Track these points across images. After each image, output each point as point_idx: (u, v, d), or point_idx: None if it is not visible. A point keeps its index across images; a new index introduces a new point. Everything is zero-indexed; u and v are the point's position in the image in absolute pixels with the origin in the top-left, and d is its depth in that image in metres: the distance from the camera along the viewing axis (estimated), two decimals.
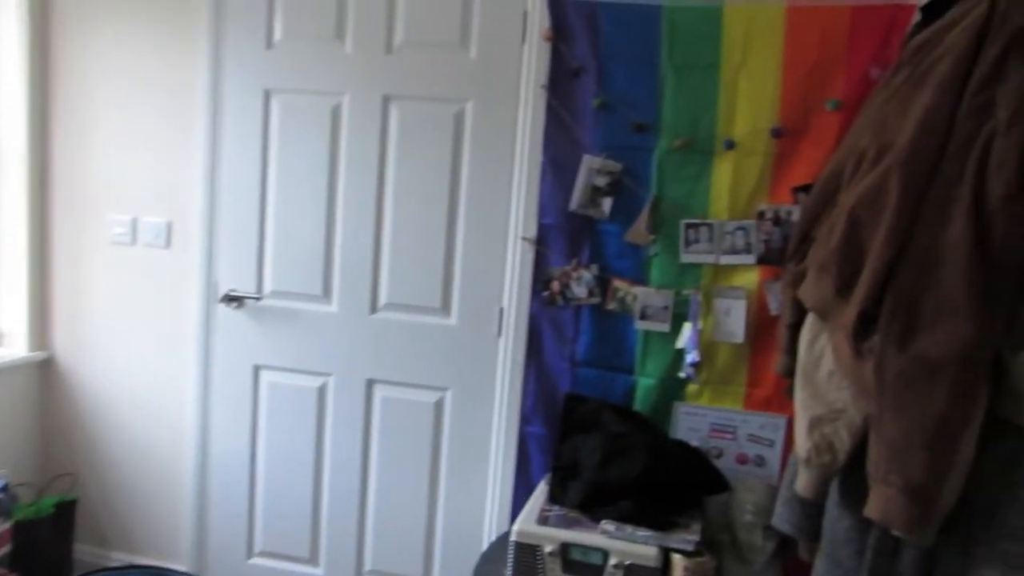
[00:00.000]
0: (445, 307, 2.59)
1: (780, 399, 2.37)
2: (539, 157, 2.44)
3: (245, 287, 2.70)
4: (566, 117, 2.40)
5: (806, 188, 2.28)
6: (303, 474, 2.72)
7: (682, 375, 2.40)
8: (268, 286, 2.69)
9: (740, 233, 2.33)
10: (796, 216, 2.28)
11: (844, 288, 1.54)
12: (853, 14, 2.21)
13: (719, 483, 2.22)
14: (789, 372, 1.94)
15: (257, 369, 2.73)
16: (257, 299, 2.69)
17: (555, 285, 2.47)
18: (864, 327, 1.48)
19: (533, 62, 2.41)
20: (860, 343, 1.48)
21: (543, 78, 2.40)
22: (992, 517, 1.48)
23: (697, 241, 2.36)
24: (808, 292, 1.62)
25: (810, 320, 1.67)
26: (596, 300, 2.44)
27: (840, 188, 1.69)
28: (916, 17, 1.83)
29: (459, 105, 2.50)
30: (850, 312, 1.49)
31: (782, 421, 2.39)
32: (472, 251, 2.54)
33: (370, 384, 2.66)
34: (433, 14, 2.49)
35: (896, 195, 1.47)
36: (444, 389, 2.62)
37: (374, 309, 2.62)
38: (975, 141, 1.43)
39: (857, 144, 1.66)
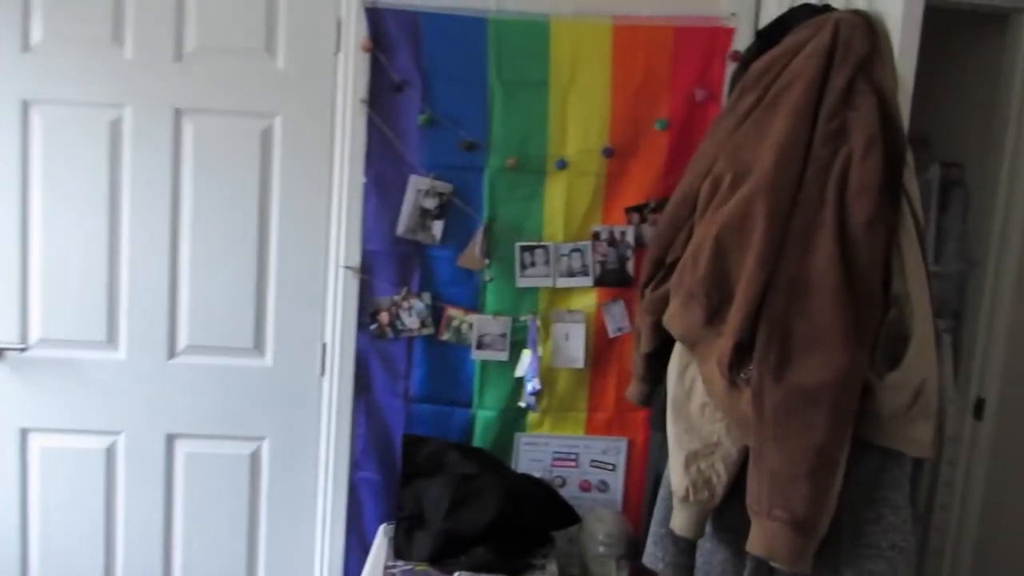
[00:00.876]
0: (258, 347, 2.30)
1: (620, 421, 2.34)
2: (360, 178, 2.23)
3: (5, 336, 2.24)
4: (389, 134, 2.21)
5: (639, 208, 2.26)
6: (91, 551, 2.31)
7: (522, 405, 2.29)
8: (36, 333, 2.25)
9: (576, 255, 2.27)
10: (630, 236, 2.26)
11: (714, 316, 1.49)
12: (676, 34, 2.22)
13: (569, 516, 2.14)
14: (645, 400, 1.89)
15: (25, 433, 2.28)
16: (22, 350, 2.24)
17: (384, 317, 2.27)
18: (738, 357, 1.44)
19: (350, 74, 2.20)
20: (735, 374, 1.44)
21: (362, 91, 2.20)
22: (858, 536, 1.50)
23: (533, 264, 2.26)
24: (675, 321, 1.57)
25: (678, 350, 1.61)
26: (429, 331, 2.27)
27: (693, 213, 1.66)
28: (751, 42, 1.85)
29: (267, 120, 2.23)
30: (724, 344, 1.44)
31: (623, 444, 2.35)
32: (288, 283, 2.28)
33: (171, 440, 2.31)
34: (231, 16, 2.20)
35: (762, 222, 1.45)
36: (260, 438, 2.33)
37: (172, 353, 2.28)
38: (833, 166, 1.45)
39: (709, 168, 1.63)
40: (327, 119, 2.23)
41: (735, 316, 1.44)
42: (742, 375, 1.43)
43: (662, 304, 1.68)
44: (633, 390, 1.90)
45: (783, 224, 1.45)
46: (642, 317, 1.76)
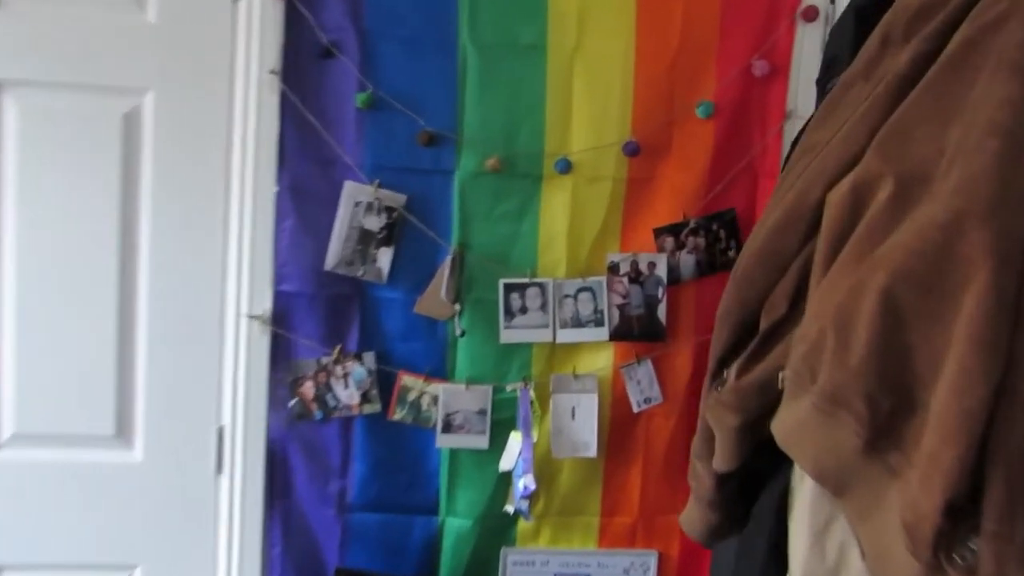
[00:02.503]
0: (123, 434, 1.57)
1: (648, 528, 1.66)
2: (271, 186, 1.52)
3: None
4: (314, 121, 1.51)
5: (674, 229, 1.58)
6: None
7: (510, 510, 1.60)
8: None
9: (585, 296, 1.58)
10: (661, 269, 1.58)
11: (883, 438, 0.81)
12: None
13: None
14: (713, 537, 1.20)
15: None
16: None
17: (307, 388, 1.56)
18: (949, 523, 0.76)
19: (255, 32, 1.49)
20: (942, 553, 0.76)
21: (273, 59, 1.49)
22: None
23: (524, 310, 1.57)
24: (803, 443, 0.88)
25: (810, 493, 0.93)
26: (374, 408, 1.57)
27: (807, 243, 0.98)
28: None
29: (131, 99, 1.50)
30: (919, 498, 0.76)
31: (652, 559, 1.67)
32: (165, 340, 1.55)
33: None
34: None
35: (984, 266, 0.77)
36: (130, 567, 1.60)
37: None
38: None
39: (839, 169, 0.95)
40: (221, 99, 1.51)
41: (940, 448, 0.76)
42: (955, 556, 0.76)
43: (758, 397, 1.00)
44: (695, 520, 1.20)
45: (1022, 271, 0.78)
46: (717, 416, 1.07)
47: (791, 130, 1.57)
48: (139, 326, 1.54)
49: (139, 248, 1.53)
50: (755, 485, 1.12)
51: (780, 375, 1.00)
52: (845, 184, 0.93)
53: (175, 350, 1.55)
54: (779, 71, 1.57)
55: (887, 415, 0.81)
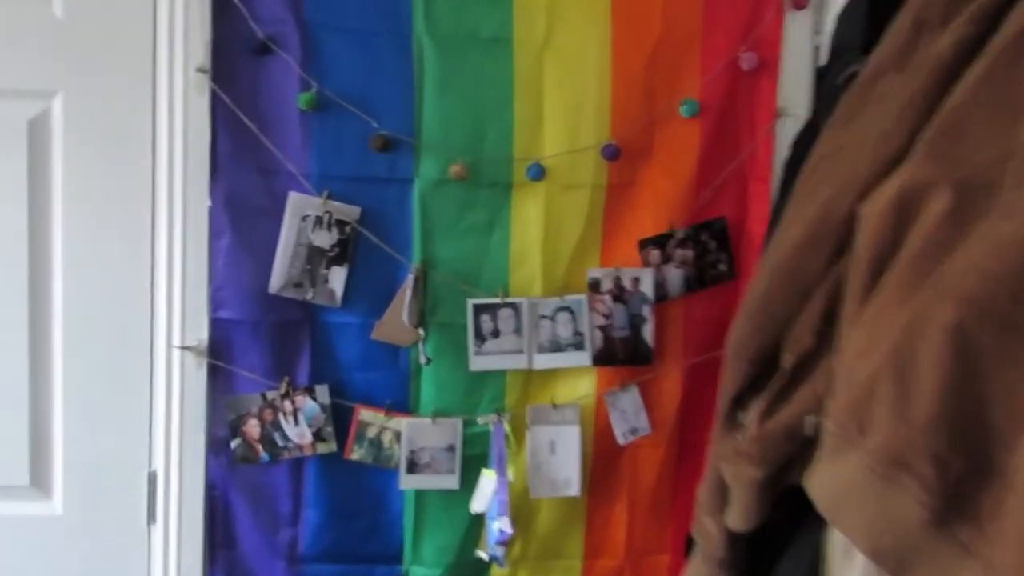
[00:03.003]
0: (39, 483, 1.38)
1: (634, 569, 1.50)
2: (204, 198, 1.33)
3: None
4: (251, 125, 1.32)
5: (660, 240, 1.43)
6: None
7: (484, 556, 1.43)
8: None
9: (564, 316, 1.42)
10: (647, 284, 1.42)
11: (952, 510, 0.66)
12: None
13: None
14: None
15: None
16: None
17: (252, 427, 1.37)
18: None
19: (179, 25, 1.31)
20: None
21: (201, 55, 1.31)
22: None
23: (496, 334, 1.40)
24: (855, 513, 0.72)
25: (863, 572, 0.77)
26: (329, 447, 1.39)
27: (837, 262, 0.84)
28: None
29: (38, 103, 1.31)
30: None
31: None
32: (85, 376, 1.36)
33: None
34: None
35: None
36: None
37: None
38: None
39: (875, 174, 0.81)
40: (143, 102, 1.33)
41: None
42: None
43: (785, 446, 0.85)
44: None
45: None
46: (737, 469, 0.91)
47: (782, 129, 1.42)
48: (55, 360, 1.36)
49: (52, 272, 1.34)
50: (771, 539, 0.97)
51: (808, 420, 0.85)
52: (887, 193, 0.78)
53: (97, 387, 1.36)
54: (768, 64, 1.43)
55: (957, 480, 0.66)
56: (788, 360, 0.87)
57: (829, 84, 1.09)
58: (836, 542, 0.82)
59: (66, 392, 1.35)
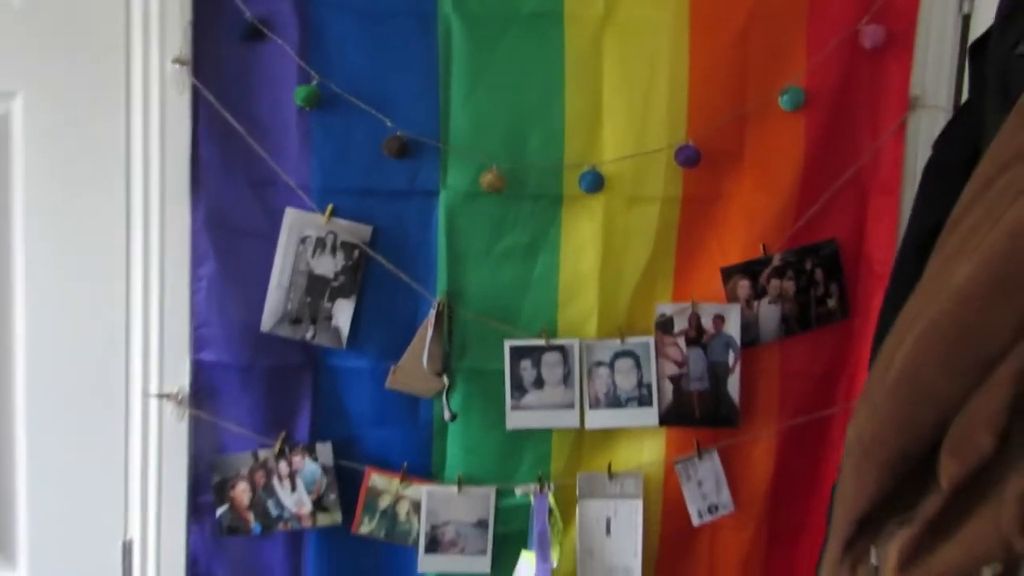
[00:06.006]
0: (2, 550, 1.17)
1: None
2: (185, 216, 1.11)
3: None
4: (238, 127, 1.08)
5: (751, 268, 1.12)
6: None
7: None
8: None
9: (625, 363, 1.13)
10: (733, 325, 1.12)
11: None
12: None
13: None
14: None
15: None
16: None
17: (241, 492, 1.14)
18: None
19: (154, 10, 1.08)
20: None
21: (178, 44, 1.07)
22: None
23: (539, 384, 1.13)
24: None
25: None
26: (333, 519, 1.14)
27: None
28: None
29: None
30: None
31: None
32: (50, 430, 1.15)
33: None
34: None
35: None
36: None
37: None
38: None
39: None
40: (114, 101, 1.10)
41: None
42: None
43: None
44: None
45: None
46: None
47: (917, 125, 1.10)
48: (16, 411, 1.16)
49: (13, 308, 1.14)
50: None
51: (984, 572, 0.55)
52: None
53: (64, 442, 1.15)
54: (899, 40, 1.11)
55: None
56: (952, 472, 0.57)
57: (999, 58, 0.77)
58: None
59: (30, 448, 1.15)
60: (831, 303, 1.14)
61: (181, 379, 1.13)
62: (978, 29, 1.02)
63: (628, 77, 1.11)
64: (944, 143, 0.90)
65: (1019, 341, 0.55)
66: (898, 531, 0.61)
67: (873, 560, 0.62)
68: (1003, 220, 0.56)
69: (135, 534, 1.17)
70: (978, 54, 0.87)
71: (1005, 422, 0.55)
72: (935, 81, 1.11)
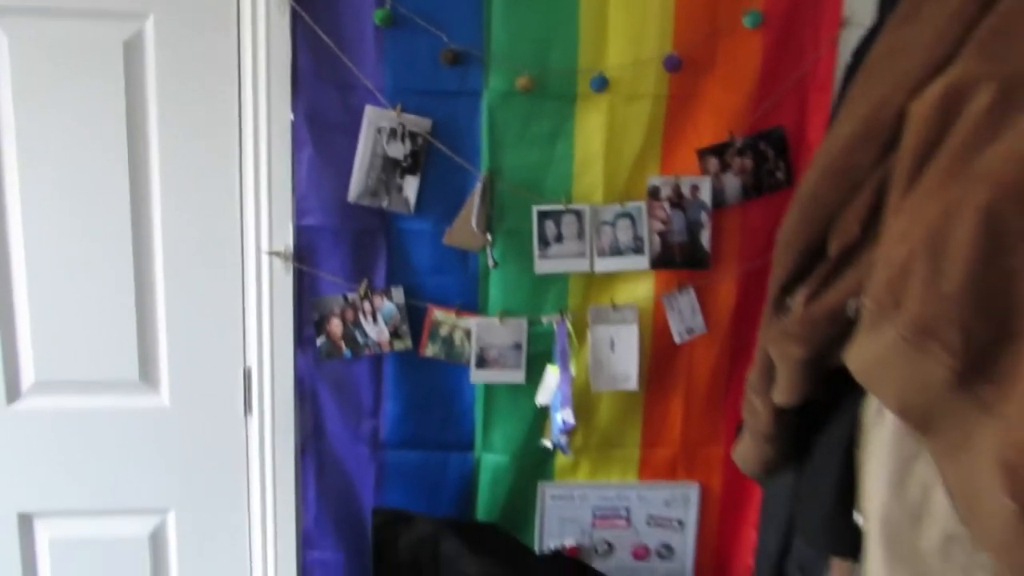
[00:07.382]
0: (148, 378, 1.52)
1: (689, 460, 1.62)
2: (287, 113, 1.42)
3: None
4: (329, 43, 1.40)
5: (719, 149, 1.48)
6: None
7: (548, 444, 1.55)
8: None
9: (624, 223, 1.49)
10: (705, 192, 1.48)
11: (976, 372, 0.73)
12: None
13: None
14: (768, 472, 1.14)
15: None
16: None
17: (334, 326, 1.49)
18: None
19: None
20: None
21: None
22: None
23: (560, 239, 1.49)
24: (887, 378, 0.81)
25: (892, 432, 0.86)
26: (405, 344, 1.50)
27: (884, 159, 0.89)
28: None
29: (131, 24, 1.40)
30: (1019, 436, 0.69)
31: (693, 491, 1.62)
32: (184, 281, 1.48)
33: (26, 521, 1.54)
34: None
35: None
36: (163, 511, 1.57)
37: (14, 395, 1.49)
38: None
39: (925, 75, 0.85)
40: (228, 21, 1.40)
41: None
42: None
43: (828, 328, 0.93)
44: (749, 455, 1.14)
45: None
46: (782, 348, 1.00)
47: (847, 39, 1.44)
48: (156, 267, 1.48)
49: (151, 185, 1.45)
50: (813, 417, 1.05)
51: (850, 303, 0.92)
52: (935, 90, 0.83)
53: (195, 291, 1.49)
54: None
55: (983, 346, 0.73)
56: (834, 249, 0.94)
57: None
58: (870, 407, 0.90)
59: (168, 297, 1.48)
60: (779, 175, 1.50)
61: (287, 240, 1.46)
62: None
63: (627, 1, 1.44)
64: (858, 52, 1.25)
65: (876, 168, 0.91)
66: (802, 287, 0.98)
67: (789, 305, 0.99)
68: (870, 95, 0.92)
69: (253, 362, 1.52)
70: None
71: (867, 217, 0.92)
72: (861, 4, 1.42)
